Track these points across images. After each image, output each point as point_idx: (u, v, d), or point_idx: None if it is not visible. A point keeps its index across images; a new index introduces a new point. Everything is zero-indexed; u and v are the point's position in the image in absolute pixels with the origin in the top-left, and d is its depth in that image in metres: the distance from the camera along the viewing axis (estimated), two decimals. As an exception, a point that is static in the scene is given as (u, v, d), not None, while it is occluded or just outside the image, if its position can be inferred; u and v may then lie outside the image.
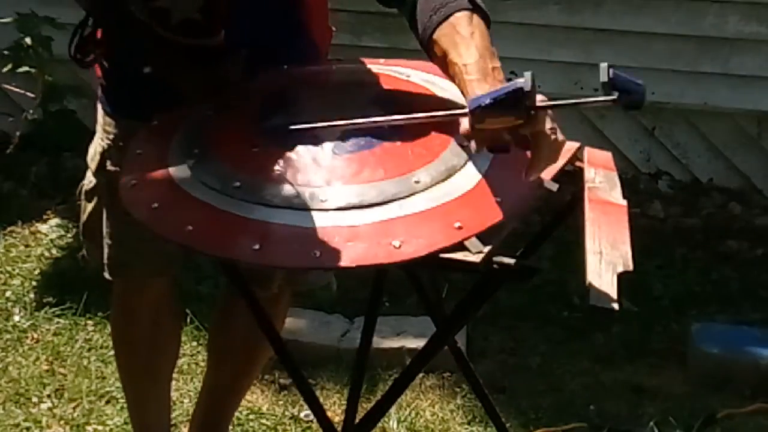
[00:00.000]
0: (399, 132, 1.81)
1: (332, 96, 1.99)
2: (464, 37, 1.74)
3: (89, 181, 2.26)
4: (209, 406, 2.54)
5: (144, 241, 2.04)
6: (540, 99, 1.67)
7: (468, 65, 1.71)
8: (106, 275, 2.28)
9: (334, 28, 2.33)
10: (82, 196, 2.29)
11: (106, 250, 2.24)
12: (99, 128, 2.23)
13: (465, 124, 1.68)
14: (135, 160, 1.87)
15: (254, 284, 2.10)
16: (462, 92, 1.72)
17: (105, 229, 2.23)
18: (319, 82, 2.10)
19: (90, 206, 2.27)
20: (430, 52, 1.82)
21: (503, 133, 1.66)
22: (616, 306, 1.56)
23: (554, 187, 1.81)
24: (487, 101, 1.61)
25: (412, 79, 2.06)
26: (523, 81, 1.62)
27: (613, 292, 1.58)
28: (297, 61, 2.14)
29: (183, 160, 1.82)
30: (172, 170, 1.81)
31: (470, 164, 1.77)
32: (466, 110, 1.65)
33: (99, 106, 2.22)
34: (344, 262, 1.65)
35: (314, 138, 1.80)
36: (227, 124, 1.91)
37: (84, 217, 2.30)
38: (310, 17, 2.20)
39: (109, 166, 2.18)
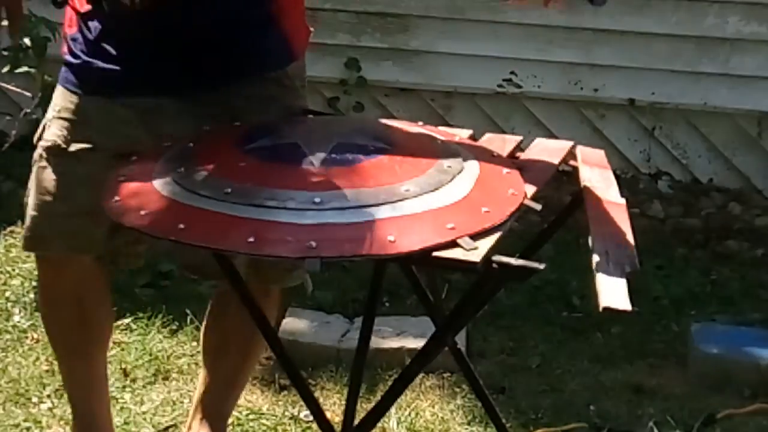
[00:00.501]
0: (386, 152, 1.86)
1: (316, 125, 2.02)
2: None
3: (36, 154, 2.26)
4: (207, 405, 2.54)
5: (67, 218, 2.10)
6: None
7: None
8: (37, 256, 2.30)
9: (311, 28, 2.33)
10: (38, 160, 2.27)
11: (28, 222, 2.24)
12: (51, 106, 2.23)
13: None
14: (118, 184, 1.87)
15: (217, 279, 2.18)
16: None
17: (31, 201, 2.23)
18: (301, 120, 2.15)
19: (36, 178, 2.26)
20: None
21: None
22: (628, 307, 1.56)
23: (537, 206, 1.83)
24: None
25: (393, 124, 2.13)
26: None
27: (625, 294, 1.58)
28: (264, 53, 2.16)
29: (168, 176, 1.83)
30: (158, 185, 1.82)
31: (456, 181, 1.81)
32: None
33: (59, 86, 2.22)
34: (341, 253, 1.66)
35: (302, 155, 1.81)
36: (211, 148, 1.94)
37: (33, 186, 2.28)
38: (281, 12, 2.20)
39: (46, 137, 2.19)
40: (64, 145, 2.17)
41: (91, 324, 2.41)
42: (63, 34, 2.23)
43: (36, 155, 2.23)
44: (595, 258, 1.65)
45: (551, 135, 4.05)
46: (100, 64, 2.13)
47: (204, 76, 2.13)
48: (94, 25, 2.13)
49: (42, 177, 2.20)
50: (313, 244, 1.65)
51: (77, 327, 2.38)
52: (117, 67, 2.12)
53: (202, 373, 2.58)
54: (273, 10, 2.18)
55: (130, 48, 2.12)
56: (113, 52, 2.12)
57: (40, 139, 2.22)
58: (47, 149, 2.19)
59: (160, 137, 2.06)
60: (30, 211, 2.24)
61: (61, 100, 2.20)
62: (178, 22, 2.06)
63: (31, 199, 2.24)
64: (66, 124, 2.18)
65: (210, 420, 2.54)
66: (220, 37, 2.11)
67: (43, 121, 2.24)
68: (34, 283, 3.55)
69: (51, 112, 2.21)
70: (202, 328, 2.57)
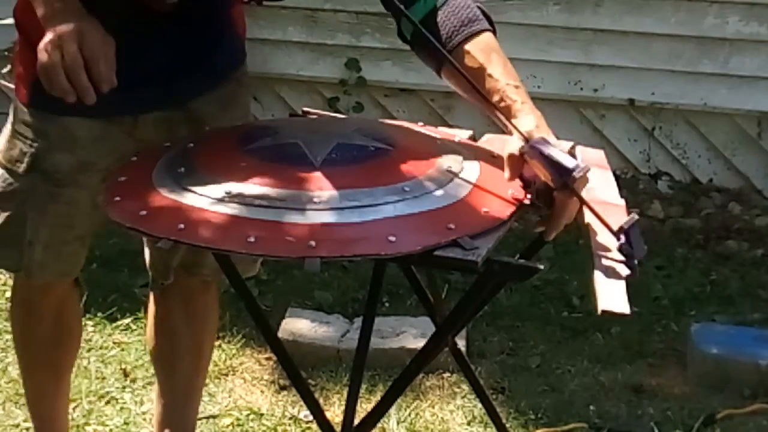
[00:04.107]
0: (385, 152, 1.86)
1: (316, 125, 2.02)
2: (502, 57, 1.87)
3: (7, 183, 2.15)
4: (169, 422, 2.52)
5: (65, 245, 2.10)
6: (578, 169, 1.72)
7: (511, 86, 1.84)
8: (18, 276, 2.27)
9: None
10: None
11: (28, 253, 2.17)
12: (16, 127, 2.12)
13: (514, 145, 1.77)
14: (117, 185, 1.87)
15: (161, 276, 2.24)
16: (503, 104, 1.82)
17: (29, 232, 2.15)
18: (302, 120, 2.16)
19: (6, 212, 2.16)
20: (458, 57, 1.87)
21: (538, 178, 1.76)
22: (627, 310, 1.56)
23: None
24: (545, 152, 1.72)
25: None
26: (575, 165, 1.71)
27: (623, 296, 1.58)
28: (228, 58, 2.19)
29: (169, 176, 1.83)
30: (158, 185, 1.82)
31: (455, 182, 1.82)
32: (526, 136, 1.76)
33: (18, 106, 2.11)
34: (341, 253, 1.66)
35: (302, 155, 1.81)
36: (211, 148, 1.93)
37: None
38: (237, 13, 2.21)
39: (47, 167, 2.10)
40: (58, 174, 2.10)
41: (68, 339, 2.43)
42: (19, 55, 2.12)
43: (26, 184, 2.12)
44: (595, 260, 1.65)
45: (551, 135, 4.04)
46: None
47: (176, 92, 2.11)
48: None
49: (43, 207, 2.13)
50: (313, 244, 1.65)
51: (54, 343, 2.39)
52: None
53: (156, 388, 2.55)
54: (232, 14, 2.19)
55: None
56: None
57: (33, 169, 2.11)
58: (45, 178, 2.10)
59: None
60: (32, 242, 2.16)
61: (38, 123, 2.09)
62: (149, 46, 2.02)
63: (29, 231, 2.15)
64: (51, 148, 2.09)
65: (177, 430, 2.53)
66: (190, 54, 2.09)
67: (20, 149, 2.12)
68: (34, 283, 3.56)
69: (36, 141, 2.10)
70: (148, 334, 2.53)
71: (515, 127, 1.78)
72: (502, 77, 1.84)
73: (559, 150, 1.73)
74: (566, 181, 1.70)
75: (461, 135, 2.13)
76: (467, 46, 1.87)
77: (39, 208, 2.13)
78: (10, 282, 3.56)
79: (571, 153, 1.84)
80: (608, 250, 1.68)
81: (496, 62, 1.85)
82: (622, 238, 1.66)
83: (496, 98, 1.83)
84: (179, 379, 2.51)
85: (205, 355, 2.54)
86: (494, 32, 1.91)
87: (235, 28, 2.21)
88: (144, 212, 1.76)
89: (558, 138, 1.82)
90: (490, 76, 1.84)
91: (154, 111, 2.11)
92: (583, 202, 1.73)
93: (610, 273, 1.64)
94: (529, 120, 1.79)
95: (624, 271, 1.64)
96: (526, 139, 1.75)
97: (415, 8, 1.89)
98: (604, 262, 1.66)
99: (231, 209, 1.72)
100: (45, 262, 2.19)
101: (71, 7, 1.84)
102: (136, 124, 2.12)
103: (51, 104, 1.89)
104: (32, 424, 2.55)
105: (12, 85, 2.20)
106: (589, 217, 1.73)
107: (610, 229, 1.68)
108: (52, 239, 2.16)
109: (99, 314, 3.37)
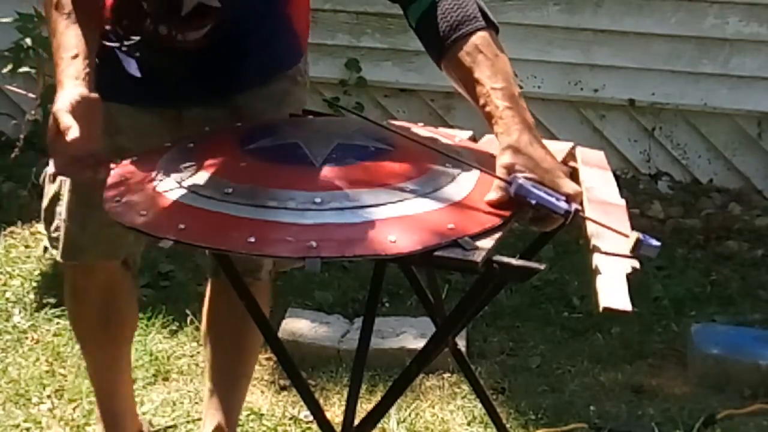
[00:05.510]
0: (386, 153, 1.86)
1: (316, 125, 2.02)
2: (490, 58, 1.84)
3: (52, 164, 2.23)
4: (211, 403, 2.56)
5: (104, 227, 2.08)
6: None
7: (497, 89, 1.81)
8: (58, 258, 2.31)
9: (311, 19, 2.34)
10: (47, 180, 2.30)
11: (63, 234, 2.26)
12: None
13: (493, 194, 1.78)
14: (119, 183, 1.87)
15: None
16: (486, 110, 1.82)
17: (65, 213, 2.24)
18: (302, 120, 2.15)
19: (52, 190, 2.28)
20: (448, 64, 1.87)
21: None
22: (629, 308, 1.56)
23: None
24: (533, 202, 1.73)
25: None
26: (566, 210, 1.73)
27: (625, 294, 1.58)
28: (281, 55, 2.18)
29: (170, 176, 1.83)
30: (158, 185, 1.82)
31: (455, 183, 1.82)
32: (506, 179, 1.76)
33: None
34: (341, 253, 1.65)
35: (303, 155, 1.81)
36: (212, 148, 1.93)
37: (45, 202, 2.31)
38: (293, 10, 2.21)
39: None
40: None
41: (117, 322, 2.49)
42: None
43: None
44: (595, 258, 1.65)
45: (551, 135, 4.05)
46: (122, 73, 2.06)
47: (224, 86, 2.15)
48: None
49: (80, 188, 2.18)
50: (314, 244, 1.65)
51: (104, 322, 2.45)
52: (140, 77, 2.06)
53: (207, 365, 2.60)
54: (287, 11, 2.20)
55: (152, 66, 2.08)
56: (135, 64, 2.08)
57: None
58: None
59: None
60: (67, 223, 2.24)
61: None
62: (200, 42, 2.03)
63: (65, 210, 2.24)
64: None
65: (223, 413, 2.56)
66: (243, 48, 2.12)
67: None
68: (34, 284, 3.56)
69: None
70: (203, 327, 2.59)
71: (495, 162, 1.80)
72: (488, 80, 1.82)
73: (544, 194, 1.73)
74: (565, 220, 1.74)
75: (461, 135, 2.13)
76: (457, 53, 1.86)
77: (72, 189, 2.20)
78: (10, 282, 3.57)
79: (571, 153, 1.83)
80: (608, 249, 1.68)
81: (483, 65, 1.83)
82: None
83: (481, 102, 1.83)
84: (221, 365, 2.54)
85: (247, 346, 2.55)
86: (492, 27, 1.88)
87: (293, 25, 2.22)
88: (144, 212, 1.76)
89: (558, 138, 1.82)
90: (477, 80, 1.83)
91: (198, 106, 2.15)
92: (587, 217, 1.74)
93: (611, 271, 1.63)
94: (511, 132, 1.79)
95: (626, 268, 1.64)
96: (508, 181, 1.76)
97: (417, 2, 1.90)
98: (605, 260, 1.65)
99: (231, 209, 1.72)
100: (83, 244, 2.23)
101: (60, 79, 1.88)
102: (181, 119, 2.16)
103: (96, 90, 1.92)
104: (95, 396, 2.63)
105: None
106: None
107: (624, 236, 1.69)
108: (87, 221, 2.19)
109: (99, 314, 3.37)
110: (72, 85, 1.84)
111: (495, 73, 1.83)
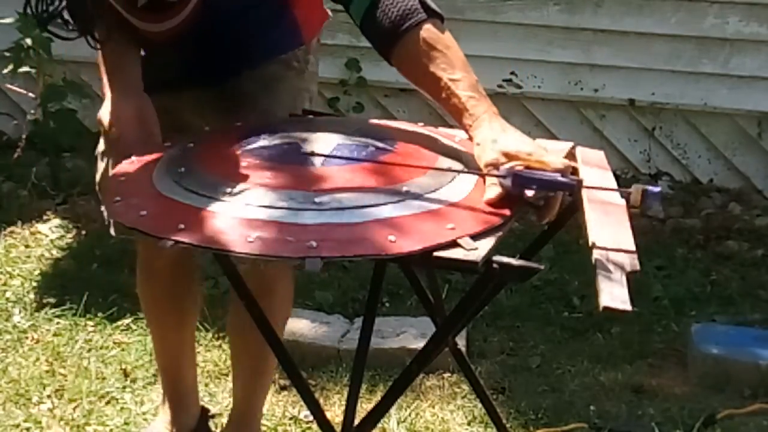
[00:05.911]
0: (386, 152, 1.86)
1: (316, 126, 2.02)
2: (440, 50, 1.84)
3: (101, 143, 2.33)
4: (236, 393, 2.63)
5: None
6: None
7: (456, 81, 1.81)
8: (112, 232, 2.32)
9: (329, 12, 2.34)
10: (98, 158, 2.36)
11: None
12: None
13: (491, 191, 1.77)
14: (117, 185, 1.87)
15: None
16: (450, 103, 1.82)
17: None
18: (302, 120, 2.15)
19: (102, 166, 2.33)
20: (398, 60, 1.88)
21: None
22: (629, 307, 1.56)
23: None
24: (534, 187, 1.74)
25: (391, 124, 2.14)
26: (570, 181, 1.75)
27: (625, 294, 1.58)
28: (275, 41, 2.21)
29: (168, 177, 1.84)
30: (158, 185, 1.82)
31: (455, 182, 1.82)
32: (506, 175, 1.76)
33: None
34: (341, 253, 1.66)
35: (303, 156, 1.81)
36: (211, 148, 1.94)
37: (98, 177, 2.37)
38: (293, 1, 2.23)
39: None
40: None
41: (184, 297, 2.59)
42: None
43: (107, 146, 2.27)
44: (595, 258, 1.65)
45: (551, 135, 4.05)
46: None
47: (219, 69, 2.18)
48: None
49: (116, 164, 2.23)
50: (314, 244, 1.65)
51: (171, 301, 2.55)
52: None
53: (231, 356, 2.69)
54: (285, 1, 2.21)
55: (146, 51, 2.14)
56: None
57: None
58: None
59: (181, 128, 2.14)
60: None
61: None
62: (196, 25, 2.06)
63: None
64: None
65: (244, 406, 2.62)
66: (235, 33, 2.15)
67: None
68: (34, 284, 3.56)
69: None
70: (228, 313, 2.66)
71: (482, 165, 1.81)
72: (444, 73, 1.82)
73: (540, 176, 1.75)
74: (573, 194, 1.74)
75: (461, 135, 2.13)
76: (405, 48, 1.86)
77: (113, 165, 2.23)
78: (10, 282, 3.58)
79: (571, 153, 1.84)
80: (609, 248, 1.68)
81: (436, 58, 1.83)
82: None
83: (443, 96, 1.83)
84: (246, 357, 2.56)
85: (261, 370, 2.58)
86: (436, 16, 1.87)
87: (292, 12, 2.23)
88: (144, 212, 1.76)
89: (558, 138, 1.82)
90: (433, 74, 1.83)
91: (194, 89, 2.20)
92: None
93: (611, 271, 1.63)
94: (481, 123, 1.80)
95: (626, 266, 1.64)
96: (503, 176, 1.76)
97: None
98: (605, 259, 1.65)
99: (231, 209, 1.72)
100: None
101: (109, 92, 2.05)
102: (175, 103, 2.21)
103: None
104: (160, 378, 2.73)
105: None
106: (589, 216, 1.74)
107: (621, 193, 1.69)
108: None
109: (99, 314, 3.37)
110: (123, 102, 2.00)
111: (450, 65, 1.82)
